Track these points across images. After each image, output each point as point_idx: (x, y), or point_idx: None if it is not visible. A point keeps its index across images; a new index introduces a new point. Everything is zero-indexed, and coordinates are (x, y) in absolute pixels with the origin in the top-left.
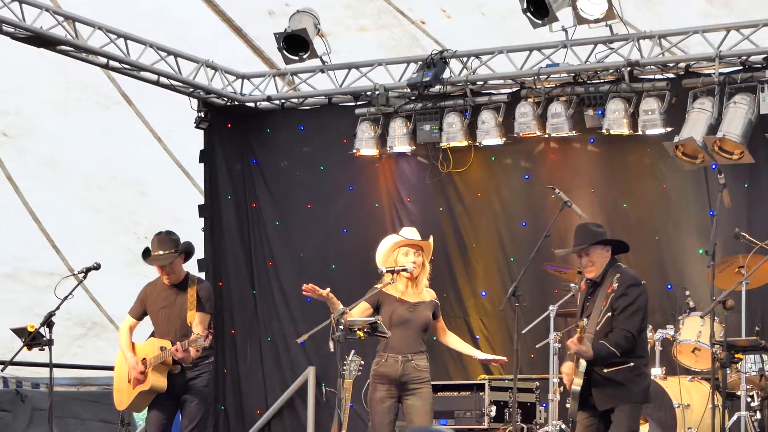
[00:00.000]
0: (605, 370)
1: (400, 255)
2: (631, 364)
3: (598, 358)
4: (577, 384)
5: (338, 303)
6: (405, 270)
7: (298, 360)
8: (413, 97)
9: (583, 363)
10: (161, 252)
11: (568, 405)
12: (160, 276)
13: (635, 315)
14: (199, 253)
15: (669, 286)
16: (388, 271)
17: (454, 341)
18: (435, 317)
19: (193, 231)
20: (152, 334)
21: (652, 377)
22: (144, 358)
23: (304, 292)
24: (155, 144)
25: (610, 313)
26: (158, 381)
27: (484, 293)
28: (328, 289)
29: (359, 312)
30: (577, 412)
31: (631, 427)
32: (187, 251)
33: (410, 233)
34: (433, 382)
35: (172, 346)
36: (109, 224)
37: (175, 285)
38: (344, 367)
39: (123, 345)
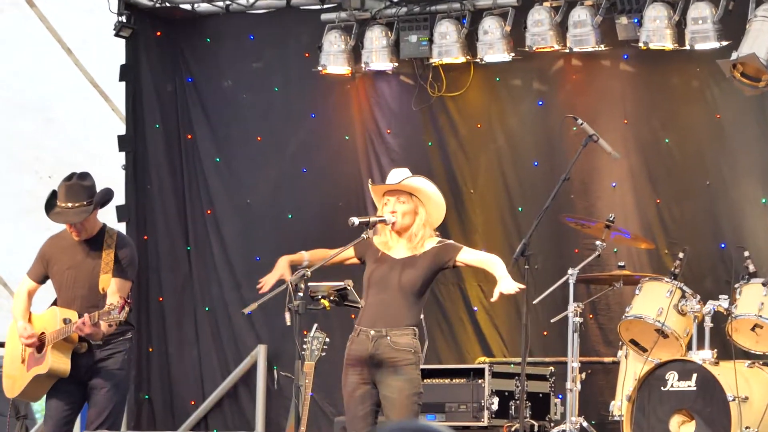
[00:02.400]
0: None
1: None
2: None
3: None
4: None
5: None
6: (383, 221)
7: (243, 336)
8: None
9: None
10: (70, 204)
11: None
12: (68, 230)
13: None
14: (119, 197)
15: (722, 245)
16: (361, 223)
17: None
18: (445, 263)
19: (111, 169)
20: (54, 302)
21: (700, 362)
22: (42, 333)
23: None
24: (64, 57)
25: None
26: (59, 363)
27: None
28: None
29: (342, 259)
30: None
31: None
32: (104, 201)
33: (394, 175)
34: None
35: (79, 318)
36: (4, 160)
37: (87, 240)
38: (304, 346)
39: (17, 313)
